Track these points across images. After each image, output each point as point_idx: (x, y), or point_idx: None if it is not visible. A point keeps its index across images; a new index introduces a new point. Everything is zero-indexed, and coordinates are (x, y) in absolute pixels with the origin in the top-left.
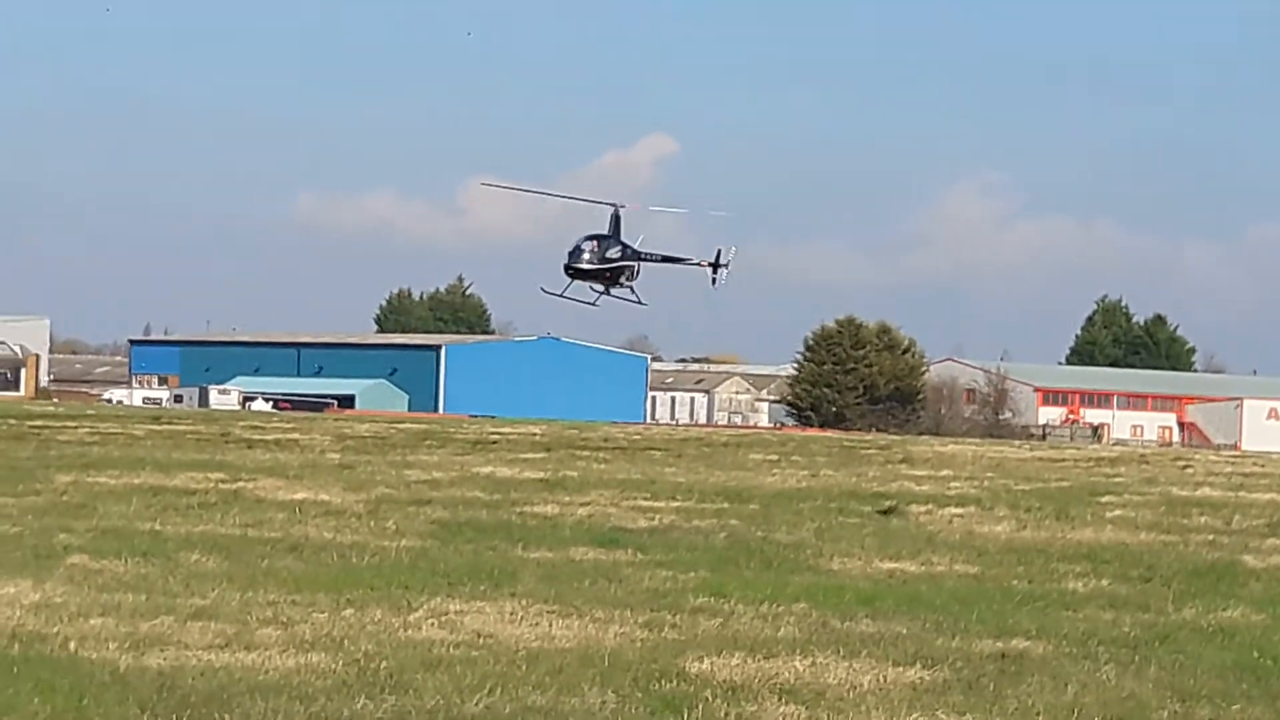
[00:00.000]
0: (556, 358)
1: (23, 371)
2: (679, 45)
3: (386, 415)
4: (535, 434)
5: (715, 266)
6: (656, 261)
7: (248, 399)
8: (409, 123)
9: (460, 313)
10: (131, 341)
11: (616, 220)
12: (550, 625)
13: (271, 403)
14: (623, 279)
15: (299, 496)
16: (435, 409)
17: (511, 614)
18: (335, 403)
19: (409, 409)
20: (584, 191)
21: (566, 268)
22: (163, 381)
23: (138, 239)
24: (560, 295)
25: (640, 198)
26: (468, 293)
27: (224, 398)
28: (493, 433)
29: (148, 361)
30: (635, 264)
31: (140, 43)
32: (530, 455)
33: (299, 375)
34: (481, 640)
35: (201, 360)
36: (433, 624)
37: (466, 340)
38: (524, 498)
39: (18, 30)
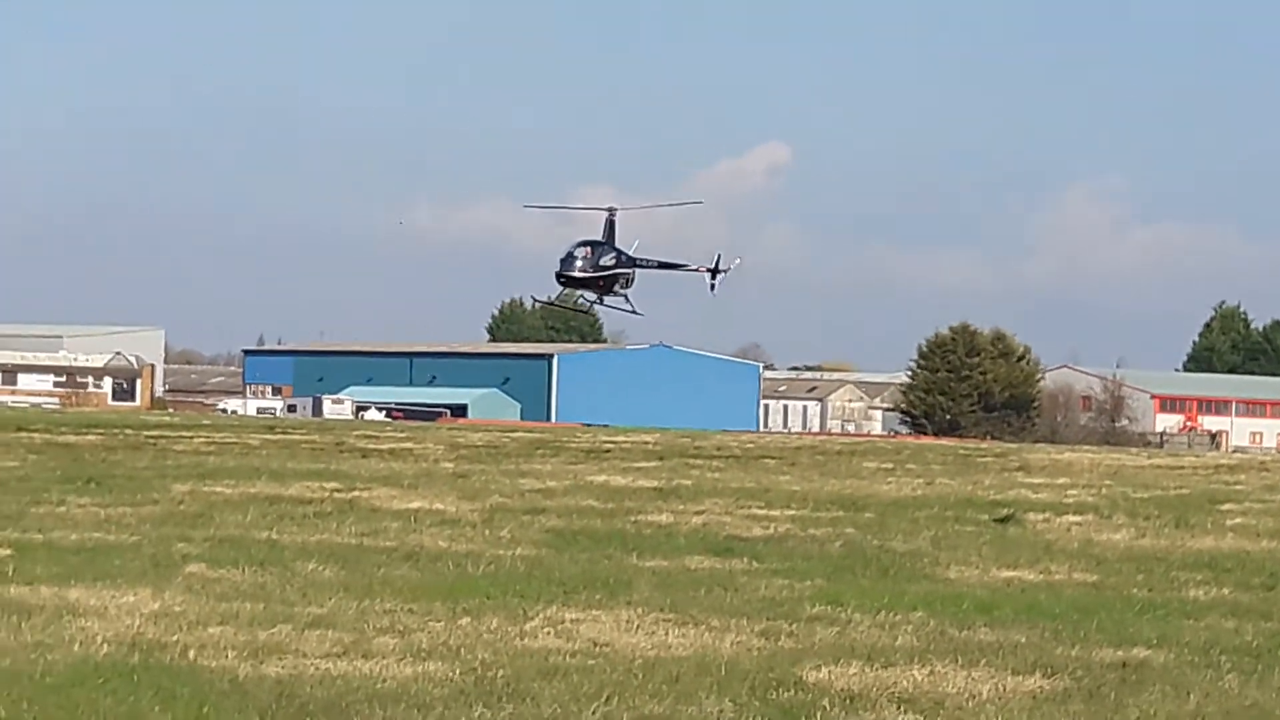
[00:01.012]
0: (669, 366)
1: (138, 382)
2: (793, 52)
3: (499, 424)
4: (648, 442)
5: (714, 273)
6: (653, 268)
7: (361, 408)
8: (523, 132)
9: (572, 322)
10: (245, 352)
11: (611, 226)
12: (666, 634)
13: (384, 412)
14: (617, 287)
15: (414, 505)
16: (547, 418)
17: (627, 622)
18: (448, 412)
19: (521, 418)
20: (702, 198)
21: (558, 275)
22: (276, 391)
23: (252, 250)
24: (551, 304)
25: (753, 205)
26: (579, 301)
27: (337, 407)
28: (606, 441)
29: (262, 372)
30: (630, 271)
31: (256, 54)
32: (644, 464)
33: (412, 385)
34: (598, 649)
35: (315, 370)
36: (549, 632)
37: (579, 349)
38: (638, 506)
39: (136, 43)
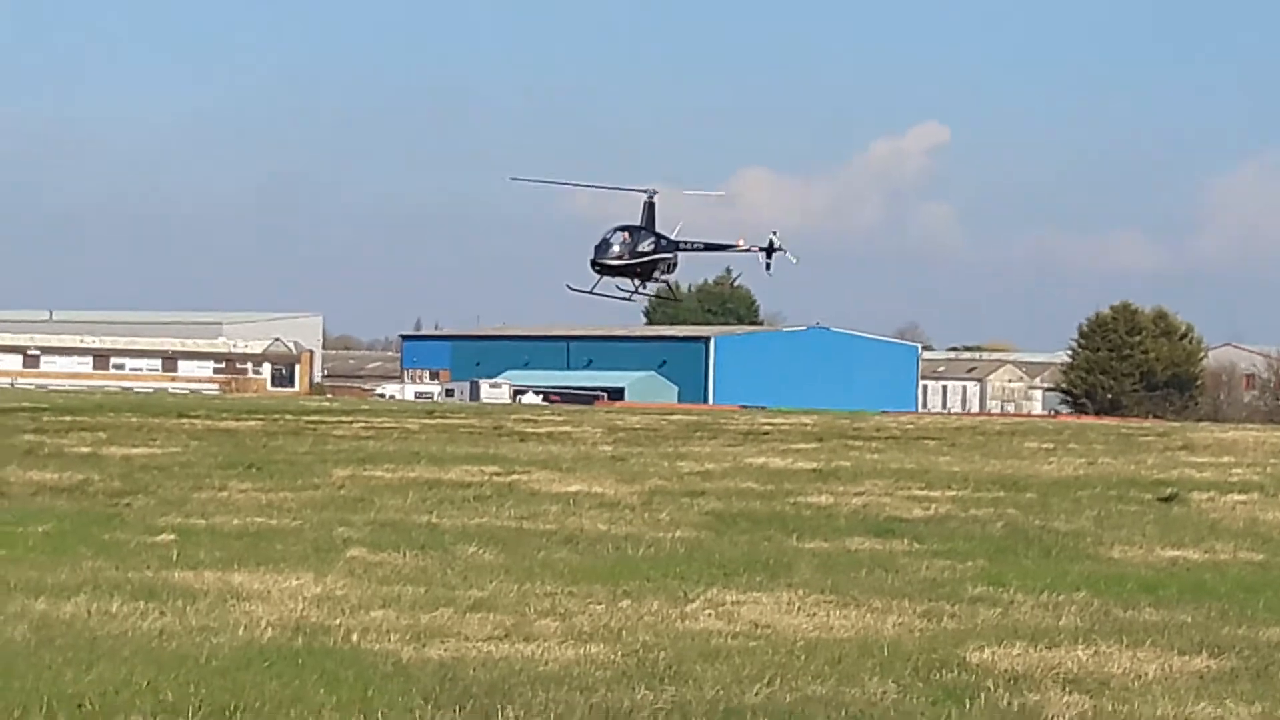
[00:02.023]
0: (826, 348)
1: (297, 368)
2: (952, 31)
3: (657, 407)
4: (807, 424)
5: (769, 253)
6: (698, 250)
7: (518, 392)
8: (680, 114)
9: (729, 304)
10: (403, 337)
11: (650, 210)
12: (828, 615)
13: (542, 395)
14: (657, 273)
15: (573, 489)
16: (705, 400)
17: (789, 604)
18: (605, 395)
19: (678, 400)
20: (854, 180)
21: (592, 263)
22: (434, 376)
23: (409, 235)
24: (589, 292)
25: (912, 186)
26: (736, 284)
27: (495, 391)
28: (764, 423)
29: (419, 356)
30: (671, 256)
31: (419, 36)
32: (802, 445)
33: (569, 368)
34: (759, 631)
35: (472, 354)
36: (710, 614)
37: (736, 331)
38: (797, 488)
39: (300, 30)
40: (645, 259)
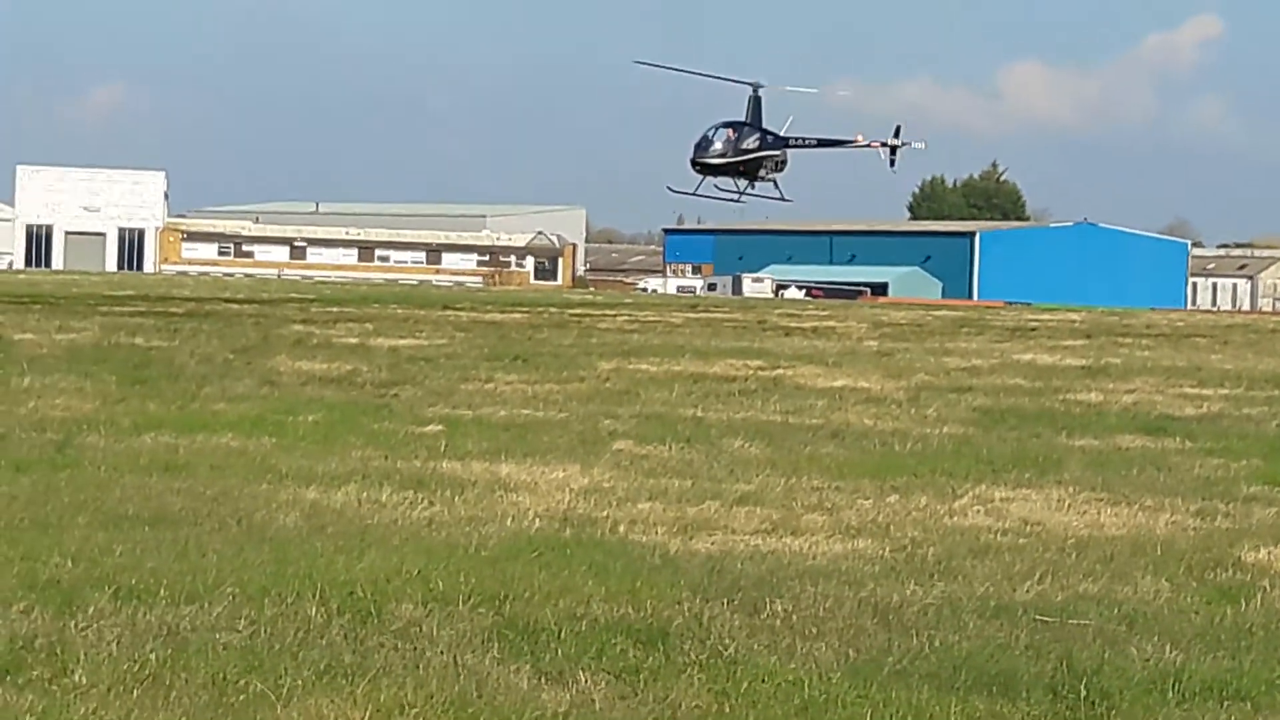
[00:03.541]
0: (1094, 244)
1: (560, 261)
2: None
3: (921, 303)
4: (1074, 321)
5: (893, 149)
6: (810, 147)
7: (781, 287)
8: (945, 7)
9: (994, 199)
10: (665, 231)
11: (757, 104)
12: (1099, 513)
13: (805, 290)
14: (763, 172)
15: (838, 384)
16: (969, 296)
17: (1058, 501)
18: (868, 290)
19: (943, 296)
20: (1126, 74)
21: (692, 162)
22: (696, 270)
23: (670, 127)
24: (693, 194)
25: (1183, 79)
26: (1002, 179)
27: (757, 286)
28: (1031, 319)
29: (681, 250)
30: (780, 153)
31: None
32: (1070, 342)
33: (832, 263)
34: (1029, 528)
35: (735, 249)
36: (978, 511)
37: (1001, 227)
38: (1066, 385)
39: None
40: (750, 156)
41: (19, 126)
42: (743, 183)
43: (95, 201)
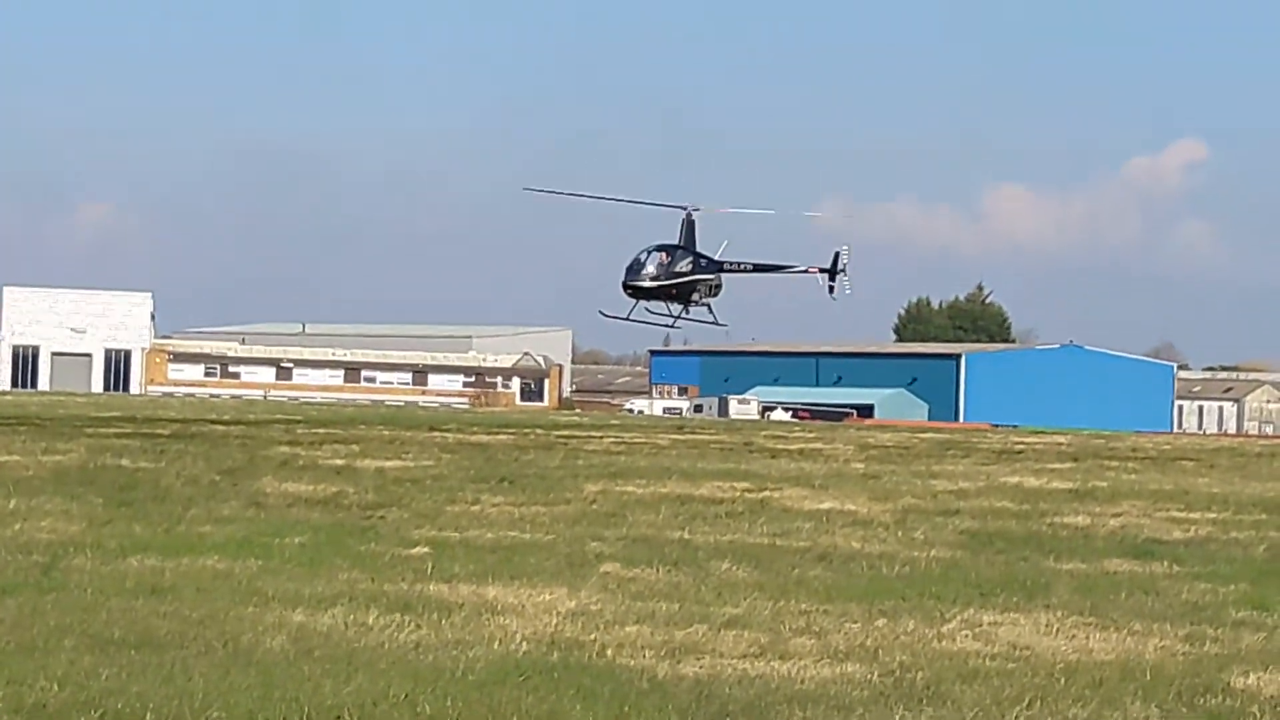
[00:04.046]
0: (1080, 366)
1: (546, 382)
2: (1209, 47)
3: (907, 424)
4: (1061, 443)
5: (832, 273)
6: (746, 272)
7: (767, 409)
8: (933, 130)
9: (980, 321)
10: (652, 352)
11: (690, 227)
12: (1088, 638)
13: (791, 412)
14: (696, 296)
15: (825, 506)
16: (955, 418)
17: (1047, 626)
18: (854, 412)
19: (928, 418)
20: (1111, 197)
21: (624, 285)
22: (683, 391)
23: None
24: (625, 319)
25: (1169, 203)
26: (988, 300)
27: (743, 407)
28: (1017, 442)
29: (668, 372)
30: (714, 278)
31: (656, 50)
32: (1057, 465)
33: (818, 384)
34: (1017, 652)
35: (721, 370)
36: (967, 635)
37: (987, 349)
38: (1053, 508)
39: (544, 37)
40: (683, 280)
41: (6, 247)
42: (676, 307)
43: (82, 323)
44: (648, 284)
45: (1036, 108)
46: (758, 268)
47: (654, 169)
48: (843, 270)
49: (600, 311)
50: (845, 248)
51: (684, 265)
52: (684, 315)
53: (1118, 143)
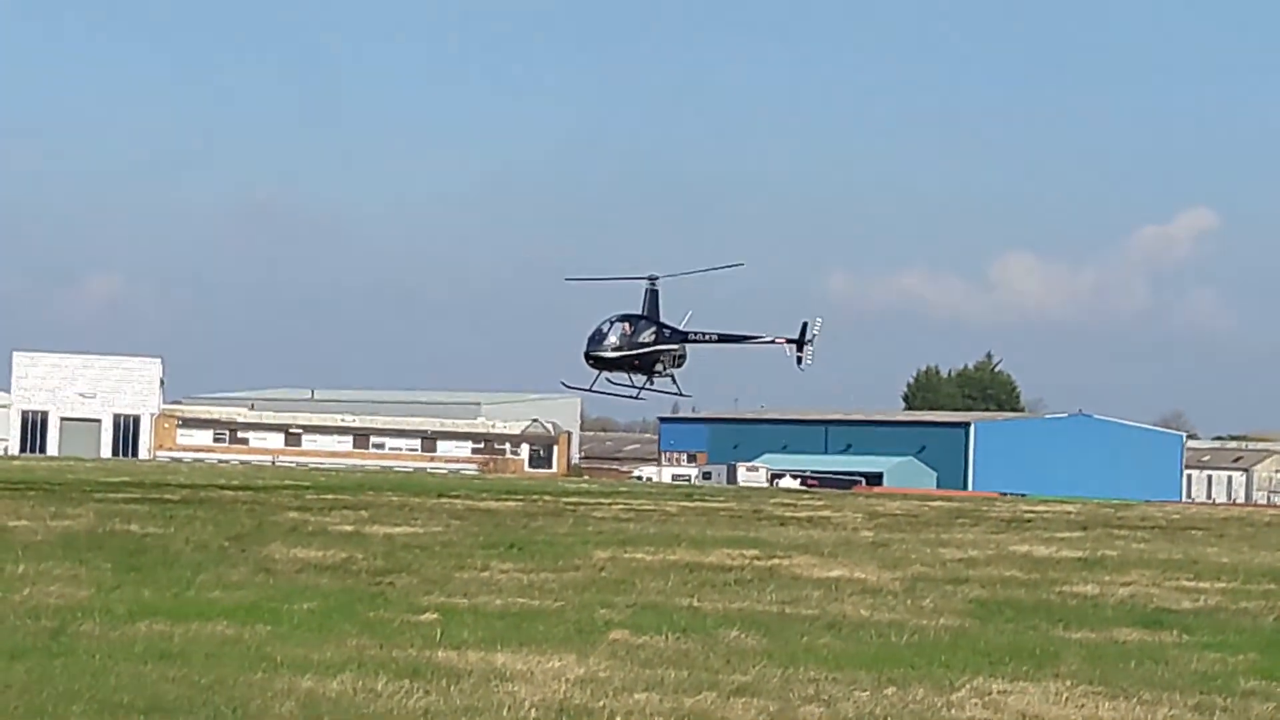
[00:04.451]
0: (1089, 435)
1: (555, 449)
2: (1218, 115)
3: (916, 493)
4: (1070, 512)
5: (800, 344)
6: (712, 342)
7: (775, 476)
8: (944, 197)
9: (989, 389)
10: (660, 419)
11: (654, 296)
12: (1097, 707)
13: (799, 479)
14: (659, 367)
15: (834, 574)
16: (964, 487)
17: (1056, 695)
18: (863, 480)
19: (937, 486)
20: (1120, 266)
21: (586, 356)
22: (691, 459)
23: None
24: (588, 390)
25: (1178, 272)
26: (997, 369)
27: (752, 475)
28: (1026, 511)
29: (676, 439)
30: (678, 348)
31: (666, 114)
32: (1066, 534)
33: (827, 452)
34: None
35: (730, 437)
36: (976, 704)
37: (996, 418)
38: (1062, 577)
39: (554, 109)
40: (645, 350)
41: (15, 313)
42: (640, 378)
43: (91, 388)
44: (609, 354)
45: (1045, 176)
46: (723, 338)
47: (663, 235)
48: (810, 341)
49: (562, 382)
50: (818, 320)
51: (647, 335)
52: (647, 386)
53: (1127, 211)
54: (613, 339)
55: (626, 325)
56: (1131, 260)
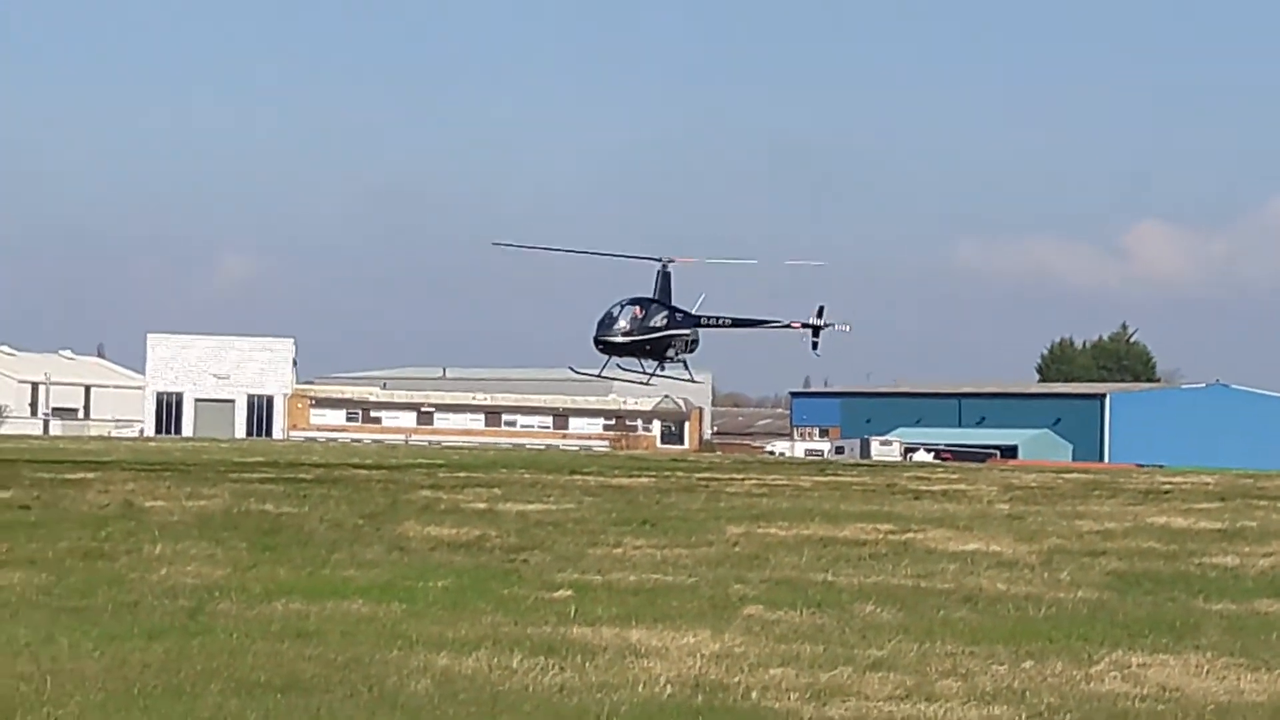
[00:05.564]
0: (1228, 406)
1: (686, 425)
2: None
3: (1052, 465)
4: (1208, 483)
5: (816, 329)
6: (725, 326)
7: (909, 450)
8: (1076, 166)
9: (1124, 360)
10: (792, 394)
11: (665, 279)
12: (1238, 679)
13: (933, 453)
14: (671, 352)
15: (970, 547)
16: (1100, 459)
17: (1196, 667)
18: (998, 453)
19: (1073, 459)
20: (1256, 234)
21: (595, 340)
22: (824, 433)
23: (800, 292)
24: (598, 376)
25: None
26: (1132, 340)
27: (886, 449)
28: (1164, 482)
29: (808, 413)
30: (690, 332)
31: (775, 84)
32: (1205, 505)
33: (960, 425)
34: (1167, 694)
35: (862, 411)
36: (1115, 677)
37: (1133, 389)
38: (1201, 548)
39: (687, 79)
40: (657, 335)
41: (150, 295)
42: (651, 363)
43: (224, 369)
44: (619, 339)
45: (1180, 145)
46: (736, 322)
47: (793, 208)
48: (830, 325)
49: (570, 367)
50: (823, 305)
51: (659, 320)
52: (658, 372)
53: (1262, 178)
54: (623, 323)
55: (637, 309)
56: (1266, 227)
